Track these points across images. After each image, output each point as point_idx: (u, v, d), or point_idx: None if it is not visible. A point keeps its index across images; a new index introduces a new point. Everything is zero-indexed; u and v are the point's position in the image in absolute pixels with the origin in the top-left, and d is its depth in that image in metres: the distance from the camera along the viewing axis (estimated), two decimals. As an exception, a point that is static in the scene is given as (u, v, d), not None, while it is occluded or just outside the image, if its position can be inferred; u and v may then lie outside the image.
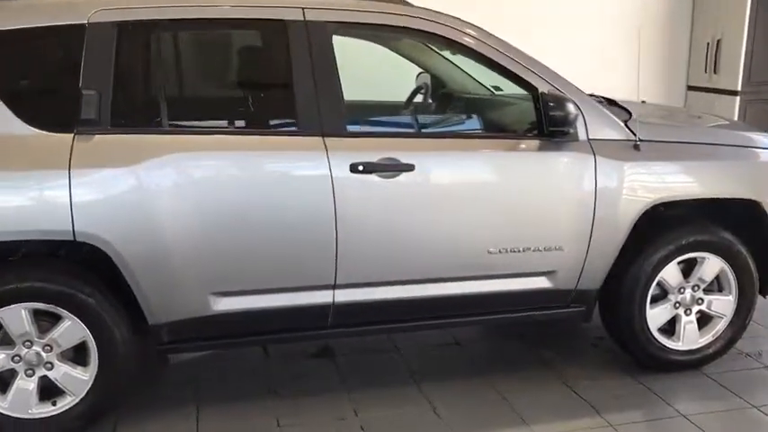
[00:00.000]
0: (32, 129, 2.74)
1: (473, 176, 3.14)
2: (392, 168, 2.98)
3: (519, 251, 3.18)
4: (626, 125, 3.29)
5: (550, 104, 3.00)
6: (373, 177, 2.97)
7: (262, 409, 3.20)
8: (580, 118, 3.17)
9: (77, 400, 2.90)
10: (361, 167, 2.94)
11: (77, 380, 2.89)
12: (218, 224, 2.87)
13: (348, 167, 2.93)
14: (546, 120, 3.02)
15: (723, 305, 3.52)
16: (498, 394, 3.33)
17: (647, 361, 3.50)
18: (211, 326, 3.00)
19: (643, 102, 4.08)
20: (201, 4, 2.92)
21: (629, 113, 3.48)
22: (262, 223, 2.92)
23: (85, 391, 2.90)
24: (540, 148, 3.15)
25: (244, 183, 2.90)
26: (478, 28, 3.18)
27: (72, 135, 2.74)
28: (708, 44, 6.39)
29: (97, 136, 2.77)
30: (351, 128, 3.04)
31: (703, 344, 3.53)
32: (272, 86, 3.12)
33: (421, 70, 3.96)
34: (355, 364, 3.65)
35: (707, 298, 3.49)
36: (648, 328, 3.43)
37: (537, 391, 3.36)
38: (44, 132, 2.75)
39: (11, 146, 2.73)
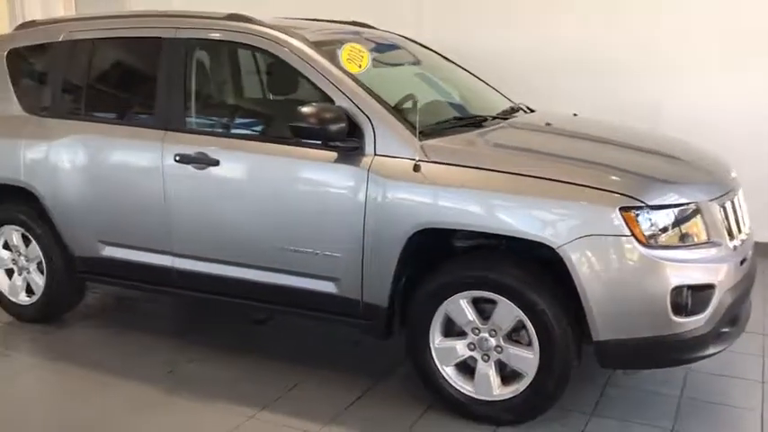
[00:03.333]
0: (21, 111, 4.17)
1: (263, 176, 3.48)
2: (202, 161, 3.56)
3: (304, 251, 3.39)
4: (421, 145, 3.15)
5: (309, 119, 3.15)
6: (189, 167, 3.59)
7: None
8: (368, 133, 3.23)
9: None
10: (178, 157, 3.60)
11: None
12: (96, 189, 3.89)
13: (173, 157, 3.63)
14: (295, 129, 3.20)
15: (523, 361, 3.04)
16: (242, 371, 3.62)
17: (438, 398, 3.25)
18: (103, 266, 4.03)
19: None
20: (121, 25, 3.98)
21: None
22: (122, 193, 3.84)
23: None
24: (323, 158, 3.29)
25: (111, 161, 3.87)
26: (304, 45, 3.48)
27: (34, 117, 4.09)
28: None
29: (45, 119, 4.06)
30: (187, 125, 3.69)
31: (499, 398, 3.11)
32: (143, 90, 3.95)
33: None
34: (248, 332, 4.25)
35: (506, 348, 3.08)
36: (435, 362, 3.20)
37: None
38: (25, 114, 4.15)
39: (8, 121, 4.20)
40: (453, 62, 4.51)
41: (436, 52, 4.52)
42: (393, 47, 4.29)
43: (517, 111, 4.06)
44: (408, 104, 3.74)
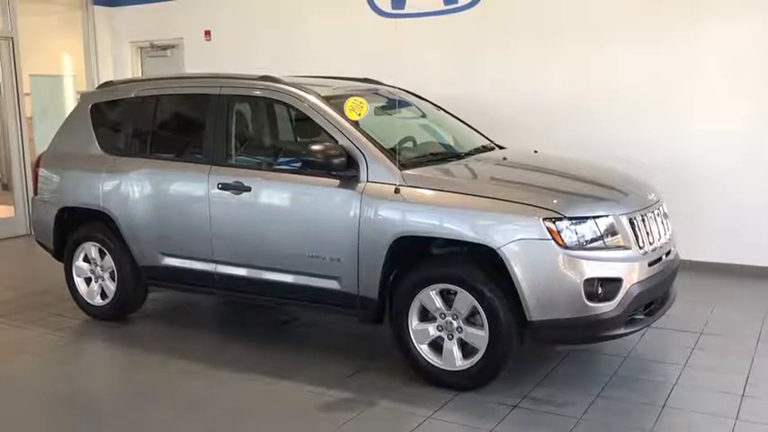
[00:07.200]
0: (101, 152, 5.32)
1: (283, 198, 4.52)
2: (238, 188, 4.61)
3: (314, 256, 4.37)
4: (401, 174, 4.13)
5: (317, 155, 4.18)
6: (228, 193, 4.65)
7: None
8: (362, 165, 4.22)
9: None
10: (220, 185, 4.66)
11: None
12: (157, 211, 4.98)
13: (216, 185, 4.69)
14: (307, 162, 4.22)
15: (477, 338, 3.94)
16: (267, 355, 4.55)
17: (418, 370, 4.15)
18: (162, 273, 5.09)
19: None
20: (179, 85, 5.12)
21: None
22: (177, 214, 4.92)
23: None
24: (329, 184, 4.30)
25: (169, 189, 4.96)
26: (317, 99, 4.52)
27: (110, 156, 5.23)
28: None
29: (119, 157, 5.19)
30: (227, 161, 4.76)
31: (461, 368, 4.00)
32: (194, 134, 5.04)
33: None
34: (274, 333, 5.23)
35: (465, 329, 3.98)
36: (413, 341, 4.12)
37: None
38: (103, 154, 5.29)
39: (91, 159, 5.35)
40: (451, 113, 5.53)
41: (437, 105, 5.55)
42: (404, 103, 5.31)
43: (491, 149, 5.04)
44: (409, 144, 4.80)
